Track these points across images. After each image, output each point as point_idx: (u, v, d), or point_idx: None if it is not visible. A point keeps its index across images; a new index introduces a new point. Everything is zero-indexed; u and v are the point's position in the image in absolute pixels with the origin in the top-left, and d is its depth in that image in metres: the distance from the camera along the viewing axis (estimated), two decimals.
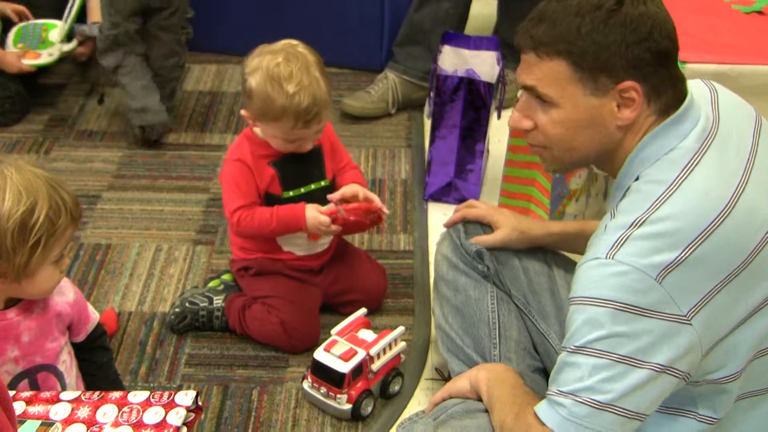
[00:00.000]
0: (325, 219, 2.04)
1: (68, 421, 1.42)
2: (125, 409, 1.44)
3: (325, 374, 1.95)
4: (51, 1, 3.18)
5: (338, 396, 1.94)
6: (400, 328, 2.02)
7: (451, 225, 1.98)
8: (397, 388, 2.04)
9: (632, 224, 1.34)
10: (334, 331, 2.00)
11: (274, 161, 2.07)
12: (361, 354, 1.94)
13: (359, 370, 1.95)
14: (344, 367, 1.92)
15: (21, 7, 3.14)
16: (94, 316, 1.75)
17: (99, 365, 1.76)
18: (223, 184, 2.13)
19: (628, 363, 1.35)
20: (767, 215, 1.39)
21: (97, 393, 1.47)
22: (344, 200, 2.07)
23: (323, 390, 1.96)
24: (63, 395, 1.47)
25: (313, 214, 2.04)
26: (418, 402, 2.03)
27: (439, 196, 2.71)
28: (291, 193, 2.10)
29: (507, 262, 1.90)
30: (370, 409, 1.98)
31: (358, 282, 2.23)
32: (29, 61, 3.01)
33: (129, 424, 1.41)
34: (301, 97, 1.94)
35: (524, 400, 1.51)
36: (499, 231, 1.90)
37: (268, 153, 2.08)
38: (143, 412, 1.43)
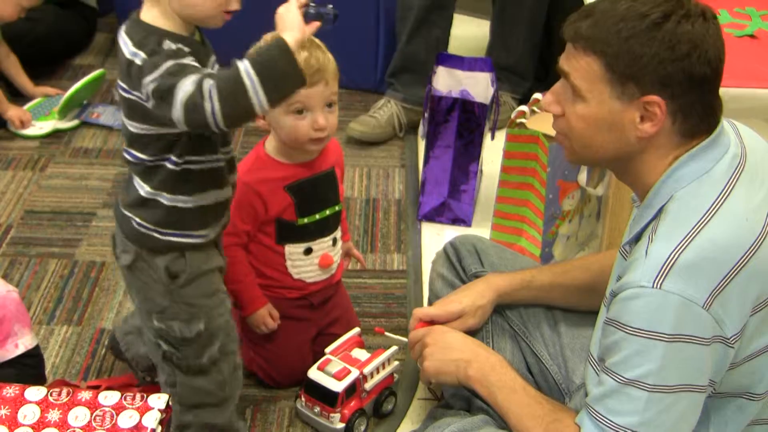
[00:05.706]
0: (270, 323, 2.01)
1: (40, 424, 1.43)
2: (98, 412, 1.45)
3: (318, 393, 1.95)
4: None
5: (331, 415, 1.94)
6: (394, 348, 2.03)
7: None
8: (390, 407, 2.04)
9: (675, 250, 1.34)
10: (328, 350, 2.01)
11: (290, 186, 1.96)
12: (354, 373, 1.95)
13: (352, 389, 1.95)
14: (338, 386, 1.93)
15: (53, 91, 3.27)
16: (23, 346, 1.66)
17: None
18: None
19: (680, 390, 1.38)
20: None
21: (65, 392, 1.47)
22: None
23: (316, 409, 1.96)
24: (28, 394, 1.46)
25: (264, 313, 2.01)
26: (411, 421, 2.03)
27: (433, 216, 2.72)
28: (306, 220, 1.98)
29: None
30: (363, 428, 1.98)
31: (348, 313, 2.18)
32: (17, 129, 3.09)
33: (104, 429, 1.43)
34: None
35: (547, 411, 1.54)
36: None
37: (283, 175, 1.95)
38: (117, 415, 1.44)
